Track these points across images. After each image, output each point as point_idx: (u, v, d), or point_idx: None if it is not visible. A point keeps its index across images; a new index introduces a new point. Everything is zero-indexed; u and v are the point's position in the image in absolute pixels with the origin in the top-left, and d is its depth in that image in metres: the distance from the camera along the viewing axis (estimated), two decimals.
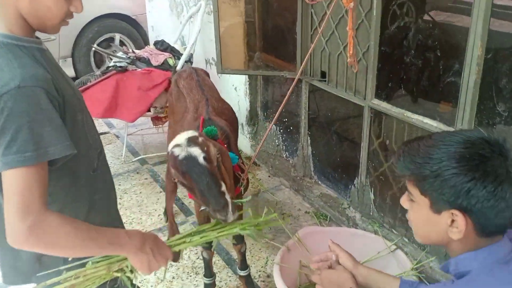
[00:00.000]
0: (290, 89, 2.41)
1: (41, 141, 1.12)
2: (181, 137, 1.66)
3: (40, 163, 1.11)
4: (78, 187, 1.34)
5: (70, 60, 5.43)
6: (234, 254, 2.89)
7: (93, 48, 5.28)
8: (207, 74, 2.87)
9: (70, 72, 5.43)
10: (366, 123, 2.80)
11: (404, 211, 2.83)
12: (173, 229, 1.69)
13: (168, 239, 1.65)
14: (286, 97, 2.43)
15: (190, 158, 1.57)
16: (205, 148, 1.61)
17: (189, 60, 3.90)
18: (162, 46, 3.97)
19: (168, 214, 1.76)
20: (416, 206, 1.17)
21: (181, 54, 4.00)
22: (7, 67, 1.13)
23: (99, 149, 1.42)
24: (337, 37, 2.84)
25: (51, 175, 1.16)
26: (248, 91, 3.87)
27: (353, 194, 3.11)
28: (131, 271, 1.34)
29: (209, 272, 2.47)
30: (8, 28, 1.19)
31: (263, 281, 2.72)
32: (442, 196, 1.08)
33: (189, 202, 3.47)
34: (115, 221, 1.55)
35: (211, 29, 4.15)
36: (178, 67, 3.77)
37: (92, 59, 5.61)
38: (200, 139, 1.65)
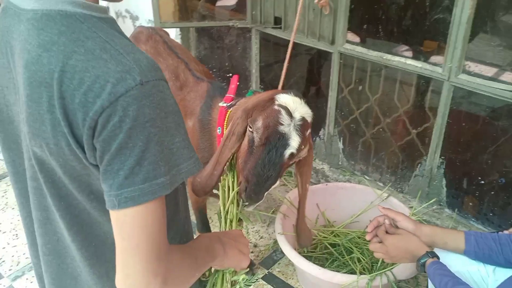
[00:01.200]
0: (289, 51, 2.11)
1: (172, 158, 0.75)
2: (299, 107, 1.43)
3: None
4: (176, 202, 0.98)
5: None
6: None
7: None
8: (168, 34, 2.40)
9: None
10: (335, 70, 2.64)
11: (379, 156, 2.81)
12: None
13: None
14: (286, 61, 2.13)
15: (284, 140, 1.36)
16: (302, 147, 1.41)
17: None
18: None
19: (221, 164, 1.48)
20: None
21: None
22: (106, 54, 0.71)
23: None
24: None
25: None
26: None
27: (319, 146, 2.99)
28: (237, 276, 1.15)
29: None
30: None
31: (252, 252, 2.52)
32: None
33: None
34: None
35: None
36: None
37: None
38: (309, 131, 1.43)
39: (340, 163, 2.93)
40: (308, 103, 3.15)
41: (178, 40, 3.43)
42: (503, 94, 2.03)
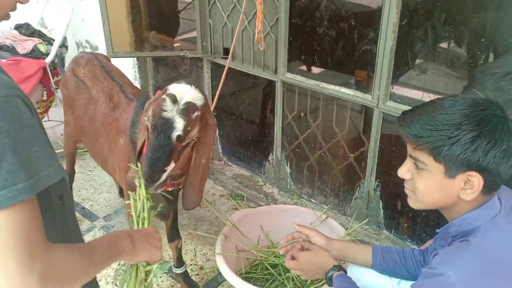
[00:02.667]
0: (224, 74, 2.25)
1: (31, 166, 0.84)
2: (186, 93, 1.55)
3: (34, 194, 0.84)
4: (51, 216, 1.07)
5: None
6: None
7: None
8: (108, 59, 2.52)
9: None
10: (279, 98, 2.77)
11: (323, 180, 2.92)
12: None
13: None
14: (220, 87, 2.27)
15: (169, 124, 1.49)
16: (188, 128, 1.52)
17: (64, 45, 3.40)
18: (27, 30, 3.38)
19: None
20: (427, 174, 1.17)
21: (51, 39, 3.47)
22: None
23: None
24: (240, 10, 2.73)
25: None
26: (137, 74, 3.54)
27: (268, 170, 3.10)
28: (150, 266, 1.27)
29: None
30: None
31: (197, 274, 2.57)
32: (458, 160, 1.09)
33: (91, 205, 3.09)
34: None
35: (81, 7, 3.71)
36: (52, 53, 3.27)
37: None
38: (195, 114, 1.53)
39: (288, 186, 3.03)
40: (257, 129, 3.26)
41: (136, 70, 3.56)
42: None
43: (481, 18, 1.89)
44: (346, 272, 1.53)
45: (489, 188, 1.14)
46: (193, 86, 1.59)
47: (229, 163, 3.35)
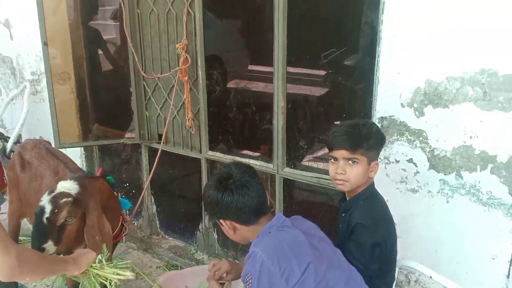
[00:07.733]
0: (157, 158, 2.77)
1: None
2: (64, 186, 2.09)
3: None
4: None
5: None
6: None
7: None
8: (50, 143, 3.02)
9: None
10: (204, 173, 3.30)
11: (244, 245, 3.35)
12: None
13: None
14: (155, 165, 2.78)
15: (41, 210, 2.02)
16: (55, 210, 2.01)
17: (18, 141, 3.87)
18: None
19: None
20: None
21: (6, 137, 3.95)
22: None
23: None
24: (170, 103, 3.35)
25: None
26: (84, 163, 4.01)
27: (199, 238, 3.51)
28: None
29: None
30: None
31: None
32: (214, 212, 1.78)
33: None
34: None
35: (36, 109, 4.26)
36: (8, 149, 3.73)
37: None
38: (64, 200, 2.05)
39: (216, 251, 3.43)
40: (188, 202, 3.76)
41: (83, 159, 4.04)
42: (314, 181, 2.75)
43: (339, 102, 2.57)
44: None
45: (244, 221, 1.74)
46: (77, 182, 2.15)
47: (166, 236, 3.74)
